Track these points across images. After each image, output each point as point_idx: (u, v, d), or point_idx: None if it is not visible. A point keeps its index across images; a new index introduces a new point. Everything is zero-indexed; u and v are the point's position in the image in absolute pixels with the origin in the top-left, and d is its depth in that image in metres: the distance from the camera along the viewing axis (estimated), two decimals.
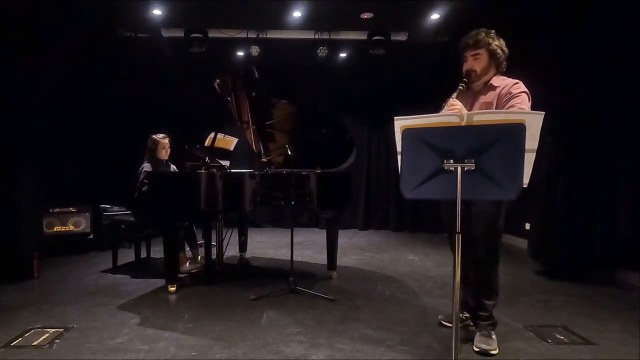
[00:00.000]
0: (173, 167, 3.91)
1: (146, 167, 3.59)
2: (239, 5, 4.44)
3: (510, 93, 2.07)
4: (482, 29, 2.17)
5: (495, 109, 2.09)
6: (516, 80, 2.12)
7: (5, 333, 2.32)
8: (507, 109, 2.01)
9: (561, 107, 3.58)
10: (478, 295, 2.22)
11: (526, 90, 2.07)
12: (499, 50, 2.15)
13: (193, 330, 2.38)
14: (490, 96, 2.15)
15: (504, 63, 2.19)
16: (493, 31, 2.17)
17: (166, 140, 3.73)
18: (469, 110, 2.09)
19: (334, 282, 3.42)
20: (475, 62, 2.16)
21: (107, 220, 4.32)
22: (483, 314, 2.20)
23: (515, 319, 2.59)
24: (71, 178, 4.61)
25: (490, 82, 2.18)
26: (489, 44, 2.13)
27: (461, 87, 2.09)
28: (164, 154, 3.73)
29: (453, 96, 2.03)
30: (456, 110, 1.94)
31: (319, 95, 5.91)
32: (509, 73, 2.23)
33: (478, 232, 2.12)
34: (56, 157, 4.39)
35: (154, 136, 3.71)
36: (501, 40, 2.17)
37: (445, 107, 2.01)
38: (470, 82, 2.17)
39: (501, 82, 2.15)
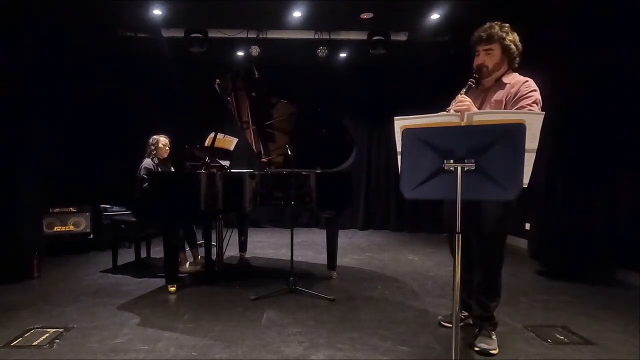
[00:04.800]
0: (171, 167, 3.93)
1: (145, 164, 3.62)
2: (239, 5, 4.44)
3: (519, 92, 2.01)
4: (496, 22, 2.08)
5: (505, 108, 2.03)
6: (526, 79, 2.05)
7: (5, 333, 2.32)
8: (517, 109, 1.96)
9: (561, 107, 3.58)
10: (481, 297, 2.21)
11: (536, 88, 2.01)
12: (512, 46, 2.06)
13: (193, 330, 2.38)
14: (500, 94, 2.08)
15: (517, 59, 2.11)
16: (507, 25, 2.08)
17: (167, 141, 3.81)
18: (479, 109, 2.05)
19: (334, 282, 3.42)
20: (487, 57, 2.07)
21: (107, 220, 4.33)
22: (485, 314, 2.20)
23: (515, 319, 2.59)
24: (71, 178, 4.60)
25: (501, 79, 2.10)
26: (503, 39, 2.04)
27: (470, 83, 2.02)
28: (164, 153, 3.78)
29: (462, 92, 1.98)
30: (465, 107, 1.89)
31: (319, 95, 5.92)
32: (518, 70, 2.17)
33: (485, 234, 2.10)
34: (56, 157, 4.39)
35: (155, 135, 3.79)
36: (515, 34, 2.08)
37: (453, 103, 1.97)
38: (480, 78, 2.09)
39: (511, 79, 2.08)
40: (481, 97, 2.16)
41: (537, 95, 1.98)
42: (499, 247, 2.15)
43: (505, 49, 2.07)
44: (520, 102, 1.99)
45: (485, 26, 2.09)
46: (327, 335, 2.32)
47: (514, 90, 2.04)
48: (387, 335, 2.34)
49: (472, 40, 2.12)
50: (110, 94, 5.31)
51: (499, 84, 2.11)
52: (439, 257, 4.37)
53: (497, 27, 2.06)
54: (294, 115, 3.43)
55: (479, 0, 3.99)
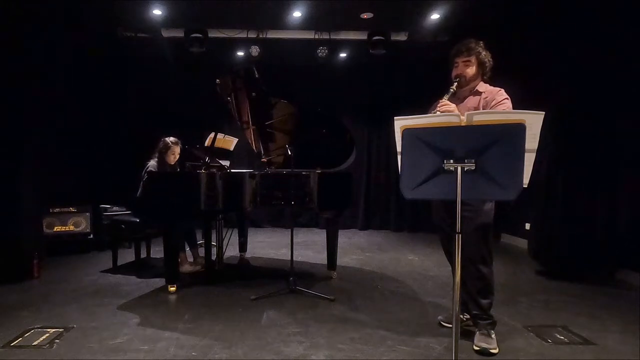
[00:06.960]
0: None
1: (151, 166, 3.60)
2: (239, 5, 4.44)
3: (495, 99, 2.19)
4: (472, 39, 2.30)
5: None
6: (499, 88, 2.25)
7: (5, 333, 2.32)
8: None
9: (561, 107, 3.58)
10: (474, 296, 2.22)
11: (508, 96, 2.20)
12: (486, 60, 2.30)
13: (193, 330, 2.38)
14: (476, 101, 2.26)
15: (489, 73, 2.33)
16: (482, 42, 2.31)
17: (178, 147, 3.71)
18: None
19: (334, 282, 3.42)
20: (465, 68, 2.27)
21: (107, 220, 4.31)
22: (480, 313, 2.21)
23: (515, 319, 2.59)
24: (71, 178, 4.60)
25: (476, 88, 2.30)
26: (479, 53, 2.28)
27: (452, 90, 2.18)
28: (172, 159, 3.72)
29: (445, 97, 2.12)
30: (451, 109, 2.04)
31: (319, 95, 5.91)
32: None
33: (467, 231, 2.12)
34: (56, 157, 4.39)
35: (166, 139, 3.69)
36: (488, 51, 2.31)
37: (438, 108, 2.07)
38: (459, 87, 2.27)
39: (485, 88, 2.29)
40: (458, 105, 2.27)
41: (509, 103, 2.17)
42: (483, 247, 2.18)
43: (481, 63, 2.30)
44: (496, 108, 2.15)
45: (463, 41, 2.32)
46: (327, 335, 2.32)
47: (489, 98, 2.23)
48: (387, 335, 2.34)
49: (452, 53, 2.34)
50: (110, 94, 5.31)
51: (475, 93, 2.30)
52: (439, 257, 4.35)
53: (474, 43, 2.29)
54: (294, 115, 3.42)
55: (479, 0, 3.99)
